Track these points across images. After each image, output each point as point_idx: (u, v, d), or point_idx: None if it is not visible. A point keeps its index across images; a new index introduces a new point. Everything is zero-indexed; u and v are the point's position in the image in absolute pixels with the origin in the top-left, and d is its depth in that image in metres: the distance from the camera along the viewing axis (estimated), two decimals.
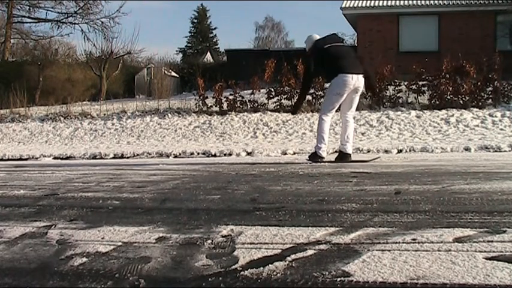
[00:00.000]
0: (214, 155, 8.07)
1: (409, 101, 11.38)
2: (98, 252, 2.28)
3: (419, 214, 2.80)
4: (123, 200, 3.72)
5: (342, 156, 6.02)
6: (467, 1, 17.37)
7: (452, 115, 10.24)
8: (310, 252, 2.15)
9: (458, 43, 16.03)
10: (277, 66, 12.24)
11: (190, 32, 46.78)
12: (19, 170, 6.56)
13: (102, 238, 2.53)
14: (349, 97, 5.91)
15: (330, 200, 3.37)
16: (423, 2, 17.93)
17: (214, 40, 47.10)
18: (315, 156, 6.00)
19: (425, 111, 10.65)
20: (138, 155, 8.61)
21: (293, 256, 2.09)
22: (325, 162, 5.92)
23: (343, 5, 18.25)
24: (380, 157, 6.05)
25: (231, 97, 11.98)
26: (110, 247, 2.35)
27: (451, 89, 10.92)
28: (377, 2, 18.38)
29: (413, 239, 2.28)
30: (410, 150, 7.44)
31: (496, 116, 10.01)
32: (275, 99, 11.86)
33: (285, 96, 11.78)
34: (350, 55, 6.14)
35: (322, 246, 2.23)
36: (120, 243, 2.41)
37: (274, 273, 1.90)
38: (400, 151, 7.44)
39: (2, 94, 15.50)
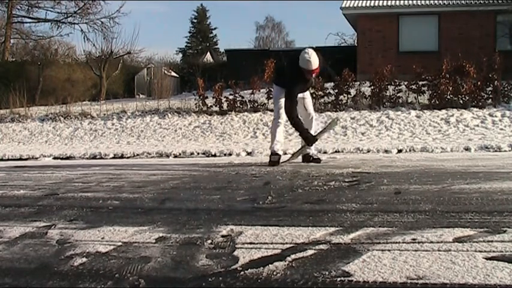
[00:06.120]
0: (214, 155, 8.07)
1: (409, 101, 11.36)
2: (98, 252, 2.29)
3: (419, 214, 2.80)
4: (123, 200, 3.72)
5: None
6: (467, 1, 17.35)
7: (452, 115, 10.22)
8: (310, 252, 2.15)
9: (458, 43, 16.00)
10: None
11: (190, 32, 46.74)
12: (19, 170, 6.56)
13: (102, 238, 2.53)
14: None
15: (330, 199, 3.37)
16: (423, 2, 17.91)
17: (214, 40, 47.07)
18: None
19: (425, 111, 10.64)
20: (138, 155, 8.61)
21: (293, 256, 2.09)
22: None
23: (343, 5, 18.23)
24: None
25: (231, 97, 11.97)
26: (110, 247, 2.35)
27: (451, 89, 10.90)
28: (377, 1, 18.36)
29: (413, 239, 2.28)
30: (410, 150, 7.43)
31: (496, 116, 10.00)
32: None
33: None
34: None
35: (322, 246, 2.23)
36: (120, 243, 2.41)
37: (274, 273, 1.90)
38: (400, 151, 7.44)
39: (2, 94, 15.47)
